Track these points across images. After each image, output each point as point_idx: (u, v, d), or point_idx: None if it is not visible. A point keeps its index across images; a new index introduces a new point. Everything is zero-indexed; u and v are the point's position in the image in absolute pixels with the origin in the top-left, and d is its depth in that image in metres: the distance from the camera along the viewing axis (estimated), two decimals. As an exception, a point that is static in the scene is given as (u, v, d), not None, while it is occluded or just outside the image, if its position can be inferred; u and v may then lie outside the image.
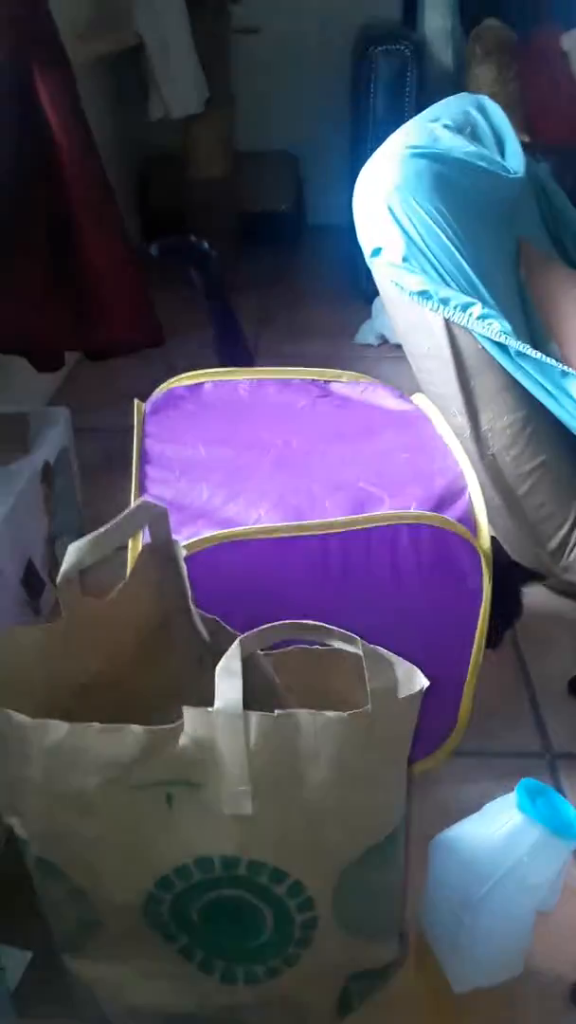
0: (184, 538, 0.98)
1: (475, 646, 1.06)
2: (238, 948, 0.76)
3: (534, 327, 1.61)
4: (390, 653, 0.75)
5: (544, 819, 0.77)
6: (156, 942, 0.76)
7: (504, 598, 1.28)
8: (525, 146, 1.74)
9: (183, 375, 1.41)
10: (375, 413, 1.33)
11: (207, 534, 1.00)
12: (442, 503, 1.05)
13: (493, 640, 1.22)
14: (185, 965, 0.77)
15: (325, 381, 1.41)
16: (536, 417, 1.43)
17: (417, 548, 1.01)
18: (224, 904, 0.74)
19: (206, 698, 0.69)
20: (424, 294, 1.36)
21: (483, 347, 1.37)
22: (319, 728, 0.68)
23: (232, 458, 1.19)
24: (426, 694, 0.89)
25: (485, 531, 1.02)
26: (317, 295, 3.02)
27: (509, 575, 1.32)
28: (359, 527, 1.00)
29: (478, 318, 1.34)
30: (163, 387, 1.42)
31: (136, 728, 0.69)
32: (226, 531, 1.00)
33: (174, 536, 0.89)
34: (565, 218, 1.99)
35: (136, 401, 1.35)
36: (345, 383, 1.42)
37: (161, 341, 2.01)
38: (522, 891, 0.79)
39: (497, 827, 0.80)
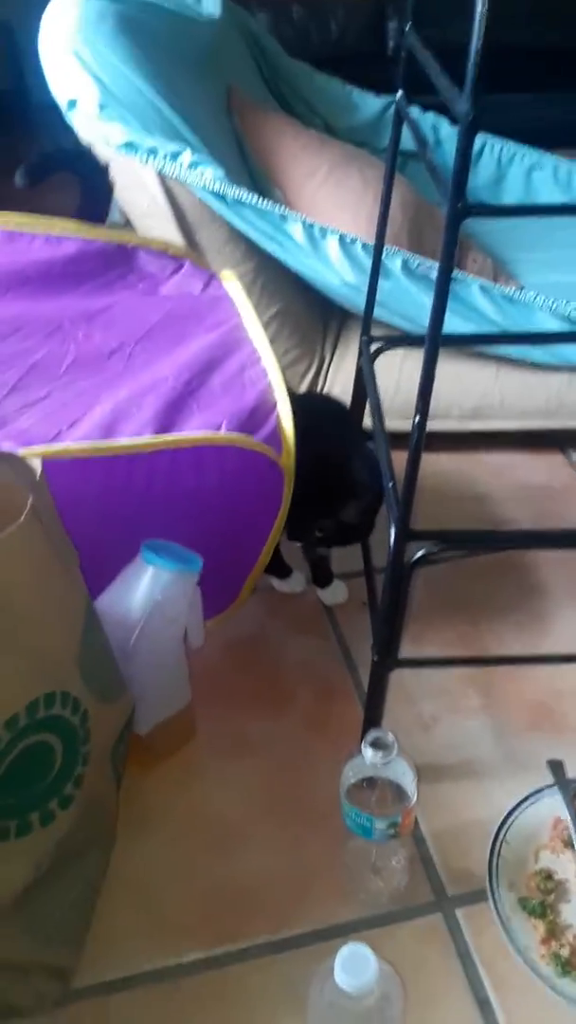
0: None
1: (267, 542, 1.07)
2: (29, 798, 0.76)
3: (254, 174, 1.59)
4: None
5: (169, 563, 0.91)
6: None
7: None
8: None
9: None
10: (184, 304, 1.21)
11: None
12: (252, 421, 1.00)
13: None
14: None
15: (132, 246, 1.25)
16: (266, 267, 1.43)
17: (222, 468, 0.97)
18: (18, 760, 0.73)
19: None
20: (130, 145, 1.29)
21: (200, 198, 1.33)
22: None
23: (27, 350, 1.05)
24: (214, 580, 0.95)
25: (291, 446, 1.01)
26: (53, 182, 2.82)
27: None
28: (168, 447, 0.94)
29: (189, 166, 1.29)
30: None
31: None
32: (25, 450, 0.87)
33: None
34: (282, 69, 1.95)
35: None
36: (154, 255, 1.26)
37: None
38: (165, 626, 0.92)
39: (133, 584, 0.91)
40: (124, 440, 0.94)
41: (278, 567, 1.23)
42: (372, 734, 0.80)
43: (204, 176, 1.30)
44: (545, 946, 0.83)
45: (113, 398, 1.00)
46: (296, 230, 1.32)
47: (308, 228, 1.32)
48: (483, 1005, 0.80)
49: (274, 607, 1.21)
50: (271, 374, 1.08)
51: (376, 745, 0.79)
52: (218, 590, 1.10)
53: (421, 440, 0.78)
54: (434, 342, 0.75)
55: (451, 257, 0.71)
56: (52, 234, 1.17)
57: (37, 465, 0.77)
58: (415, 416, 0.78)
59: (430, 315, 0.75)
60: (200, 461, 0.97)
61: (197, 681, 1.02)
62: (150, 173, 1.33)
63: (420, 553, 0.84)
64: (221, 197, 1.31)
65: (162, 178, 1.33)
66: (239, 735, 1.05)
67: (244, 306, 1.19)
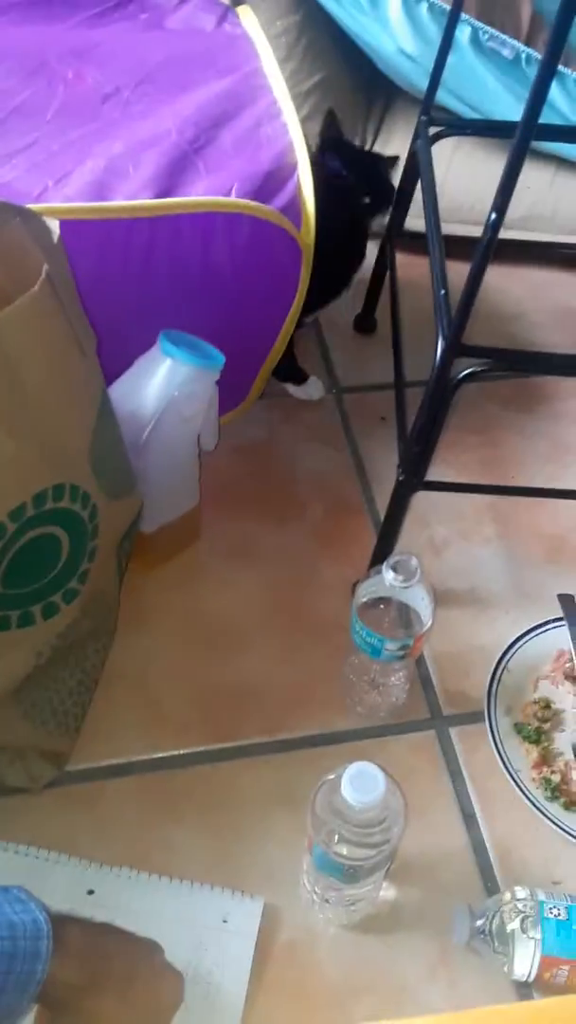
0: None
1: (281, 331, 0.97)
2: (32, 590, 0.73)
3: None
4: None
5: (188, 357, 0.83)
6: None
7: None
8: None
9: None
10: (193, 42, 1.05)
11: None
12: (266, 187, 0.88)
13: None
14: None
15: None
16: (313, 24, 1.24)
17: (232, 240, 0.86)
18: (23, 551, 0.69)
19: None
20: None
21: None
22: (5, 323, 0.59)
23: (6, 91, 0.92)
24: (227, 370, 0.85)
25: (310, 219, 0.88)
26: None
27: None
28: (171, 212, 0.83)
29: None
30: None
31: None
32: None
33: None
34: None
35: None
36: None
37: None
38: (179, 424, 0.86)
39: (149, 377, 0.85)
40: (119, 202, 0.83)
41: (293, 372, 1.15)
42: (395, 556, 0.76)
43: None
44: (537, 770, 0.84)
45: (107, 151, 0.88)
46: (354, -21, 1.14)
47: (368, -22, 1.13)
48: (468, 819, 0.82)
49: (288, 414, 1.15)
50: (291, 131, 0.95)
51: (397, 568, 0.75)
52: (228, 383, 1.03)
53: (493, 243, 0.69)
54: (527, 130, 0.64)
55: (571, 18, 0.59)
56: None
57: (55, 226, 0.67)
58: (490, 215, 0.68)
59: (529, 96, 0.63)
60: (207, 231, 0.86)
61: (206, 484, 0.97)
62: None
63: (469, 370, 0.77)
64: None
65: None
66: (245, 542, 1.02)
67: (264, 47, 1.03)
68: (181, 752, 0.85)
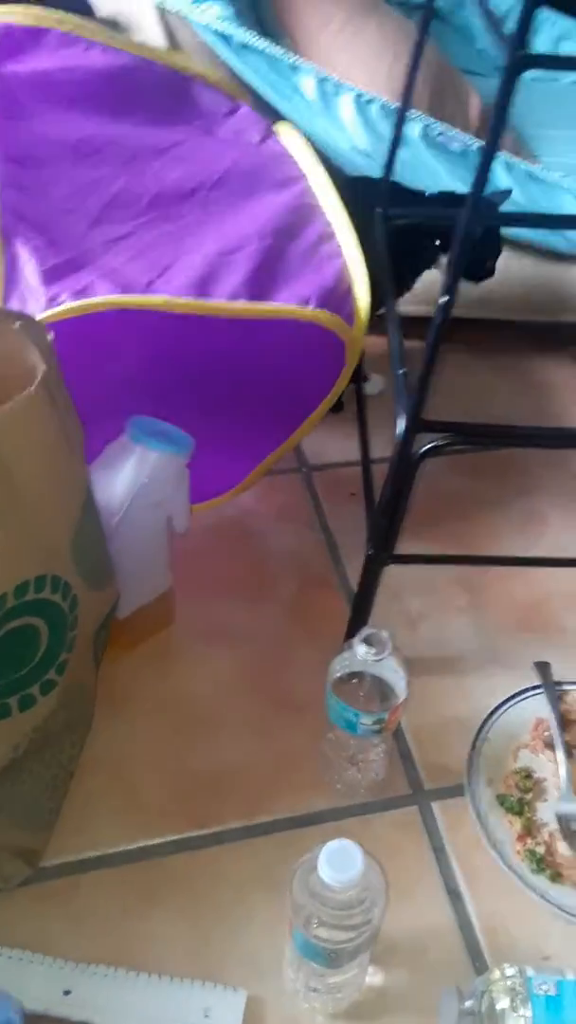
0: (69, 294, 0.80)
1: (297, 432, 1.01)
2: (10, 681, 0.73)
3: (263, 20, 1.44)
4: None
5: (157, 444, 0.86)
6: None
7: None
8: None
9: None
10: (247, 154, 1.07)
11: (101, 298, 0.81)
12: (334, 298, 0.92)
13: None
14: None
15: (189, 75, 1.07)
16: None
17: (299, 342, 0.91)
18: (2, 643, 0.69)
19: None
20: (127, -29, 1.16)
21: (203, 39, 1.20)
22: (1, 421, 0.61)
23: (105, 178, 0.94)
24: (235, 453, 0.92)
25: (363, 322, 0.94)
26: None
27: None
28: (261, 316, 0.87)
29: (193, 2, 1.17)
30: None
31: None
32: (123, 298, 0.82)
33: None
34: None
35: None
36: (209, 90, 1.09)
37: None
38: (150, 509, 0.89)
39: (119, 464, 0.87)
40: (219, 301, 0.86)
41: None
42: (366, 631, 0.77)
43: (208, 13, 1.17)
44: (521, 843, 0.83)
45: (199, 248, 0.91)
46: (307, 83, 1.21)
47: (321, 82, 1.20)
48: (454, 896, 0.81)
49: (258, 493, 1.17)
50: (346, 251, 0.99)
51: (369, 642, 0.76)
52: (227, 469, 1.06)
53: (445, 324, 0.72)
54: (473, 216, 0.68)
55: (503, 117, 0.63)
56: (110, 45, 1.00)
57: (49, 330, 0.70)
58: (441, 294, 0.71)
59: (472, 187, 0.67)
60: (280, 335, 0.90)
61: (178, 566, 0.98)
62: (149, 9, 1.20)
63: (430, 444, 0.79)
64: (226, 39, 1.18)
65: (161, 13, 1.20)
66: (219, 622, 1.02)
67: (312, 166, 1.07)
68: (158, 841, 0.83)
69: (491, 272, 1.16)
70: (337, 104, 1.21)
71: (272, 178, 1.04)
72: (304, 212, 1.02)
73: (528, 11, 0.61)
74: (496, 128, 0.65)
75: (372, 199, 1.04)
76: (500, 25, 0.64)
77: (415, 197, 1.12)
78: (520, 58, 0.61)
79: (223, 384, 0.95)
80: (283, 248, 0.95)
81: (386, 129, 1.18)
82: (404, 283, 1.16)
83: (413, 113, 1.21)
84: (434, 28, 1.50)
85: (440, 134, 1.22)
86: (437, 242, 1.12)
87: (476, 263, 1.14)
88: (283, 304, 0.89)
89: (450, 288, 0.71)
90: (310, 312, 0.89)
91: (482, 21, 0.70)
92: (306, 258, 0.96)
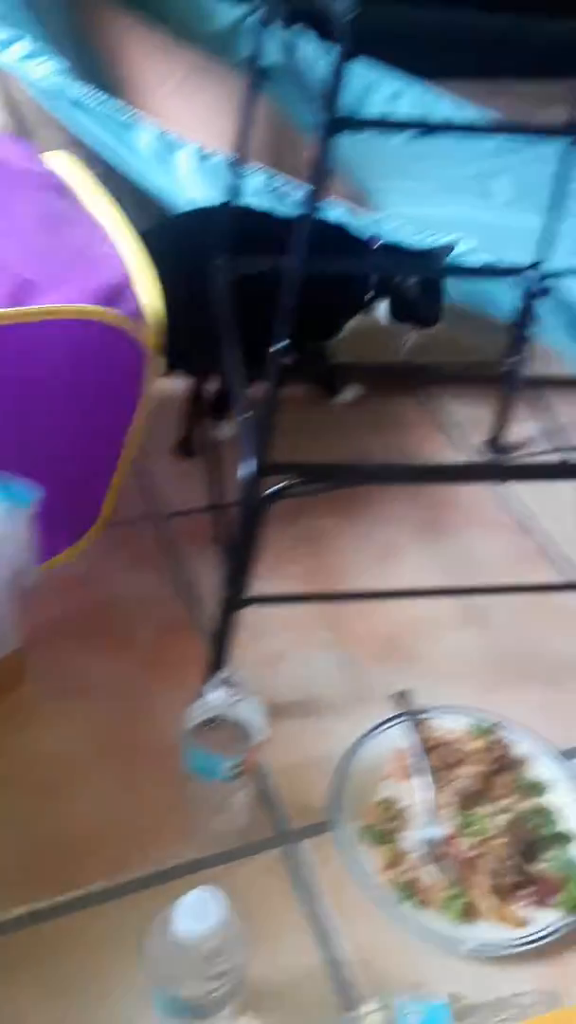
0: None
1: (126, 442, 0.98)
2: None
3: (99, 77, 1.46)
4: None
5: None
6: None
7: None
8: None
9: None
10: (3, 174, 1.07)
11: None
12: (111, 295, 0.90)
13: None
14: None
15: None
16: (112, 177, 1.32)
17: (80, 346, 0.88)
18: None
19: None
20: (-44, 27, 1.15)
21: (37, 95, 1.21)
22: None
23: None
24: (71, 490, 0.87)
25: (156, 325, 0.93)
26: None
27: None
28: (18, 320, 0.85)
29: (25, 57, 1.17)
30: None
31: None
32: None
33: None
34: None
35: None
36: None
37: None
38: None
39: None
40: None
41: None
42: (221, 674, 0.77)
43: (42, 69, 1.18)
44: (387, 873, 0.84)
45: None
46: (143, 139, 1.23)
47: (157, 138, 1.23)
48: (323, 936, 0.80)
49: (110, 543, 1.14)
50: (121, 251, 0.99)
51: (224, 685, 0.76)
52: (75, 508, 1.02)
53: (284, 366, 0.74)
54: (299, 268, 0.71)
55: (323, 176, 0.67)
56: None
57: None
58: (274, 340, 0.73)
59: (294, 240, 0.70)
60: (55, 338, 0.88)
61: (28, 622, 0.95)
62: (-21, 60, 1.19)
63: (276, 487, 0.80)
64: (60, 95, 1.19)
65: (-4, 69, 1.21)
66: (74, 676, 0.99)
67: (81, 182, 1.08)
68: (15, 914, 0.79)
69: (437, 318, 1.23)
70: (174, 160, 1.23)
71: (31, 192, 1.04)
72: (69, 222, 1.02)
73: (337, 78, 0.65)
74: (316, 185, 0.68)
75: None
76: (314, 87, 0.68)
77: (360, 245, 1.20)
78: (334, 122, 0.65)
79: (32, 413, 0.92)
80: (43, 258, 0.94)
81: (224, 182, 1.22)
82: (332, 330, 1.25)
83: (253, 166, 1.25)
84: (275, 86, 1.57)
85: (278, 187, 1.26)
86: (372, 293, 1.21)
87: (424, 309, 1.21)
88: (54, 304, 0.87)
89: (282, 335, 0.73)
90: (77, 308, 0.88)
91: (286, 91, 0.73)
92: (71, 265, 0.95)
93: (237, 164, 1.06)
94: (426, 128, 1.45)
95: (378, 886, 0.83)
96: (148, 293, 0.94)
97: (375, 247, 1.21)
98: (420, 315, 1.23)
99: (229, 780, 0.80)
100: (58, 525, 0.97)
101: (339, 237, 1.20)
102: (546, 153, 1.06)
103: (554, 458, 1.32)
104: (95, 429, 0.98)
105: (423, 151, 1.69)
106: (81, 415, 0.95)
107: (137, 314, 0.92)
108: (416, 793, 0.90)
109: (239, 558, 0.86)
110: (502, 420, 1.34)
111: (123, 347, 0.91)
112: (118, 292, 0.93)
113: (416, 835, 0.87)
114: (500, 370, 1.27)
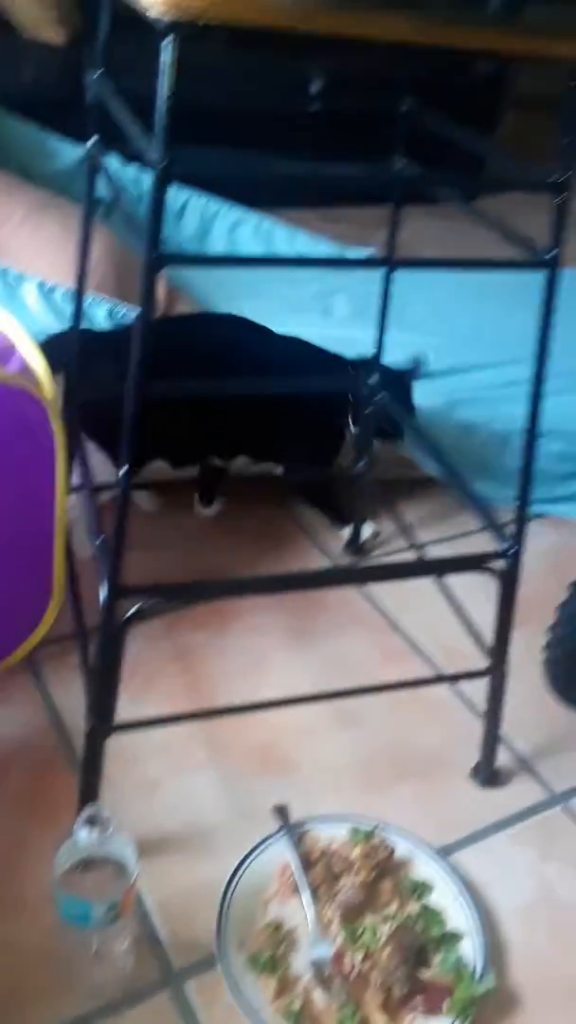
0: None
1: (56, 511, 0.95)
2: None
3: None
4: None
5: None
6: None
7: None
8: None
9: None
10: None
11: None
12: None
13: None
14: None
15: None
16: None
17: None
18: None
19: None
20: None
21: None
22: None
23: None
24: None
25: (48, 383, 0.94)
26: None
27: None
28: None
29: None
30: None
31: None
32: None
33: None
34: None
35: None
36: None
37: None
38: None
39: None
40: None
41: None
42: (86, 811, 0.74)
43: None
44: (276, 1003, 0.81)
45: None
46: (-10, 275, 1.26)
47: (2, 274, 1.25)
48: None
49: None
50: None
51: (90, 823, 0.73)
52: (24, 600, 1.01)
53: (127, 494, 0.75)
54: (139, 391, 0.73)
55: (151, 307, 0.70)
56: None
57: None
58: (120, 468, 0.75)
59: (131, 365, 0.72)
60: None
61: None
62: None
63: (133, 610, 0.80)
64: None
65: None
66: None
67: None
68: None
69: (402, 433, 1.28)
70: (21, 293, 1.26)
71: None
72: None
73: (156, 218, 0.69)
74: (146, 316, 0.71)
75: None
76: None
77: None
78: (156, 259, 0.68)
79: None
80: None
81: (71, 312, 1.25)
82: (330, 454, 1.34)
83: (97, 297, 1.29)
84: (119, 219, 1.64)
85: (124, 314, 1.30)
86: (348, 418, 1.29)
87: (390, 423, 1.27)
88: None
89: (124, 464, 0.75)
90: None
91: (129, 229, 0.78)
92: None
93: (77, 294, 1.09)
94: (243, 262, 1.57)
95: (269, 1018, 0.80)
96: (30, 354, 0.97)
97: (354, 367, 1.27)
98: (392, 429, 1.28)
99: (107, 925, 0.77)
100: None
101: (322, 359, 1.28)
102: (374, 274, 1.15)
103: (410, 555, 1.37)
104: (24, 496, 0.97)
105: (269, 274, 1.79)
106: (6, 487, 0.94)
107: (27, 370, 0.94)
108: (302, 911, 0.89)
109: (103, 684, 0.84)
110: (356, 523, 1.39)
111: (20, 403, 0.92)
112: (5, 355, 0.95)
113: (305, 956, 0.85)
114: (350, 475, 1.32)
